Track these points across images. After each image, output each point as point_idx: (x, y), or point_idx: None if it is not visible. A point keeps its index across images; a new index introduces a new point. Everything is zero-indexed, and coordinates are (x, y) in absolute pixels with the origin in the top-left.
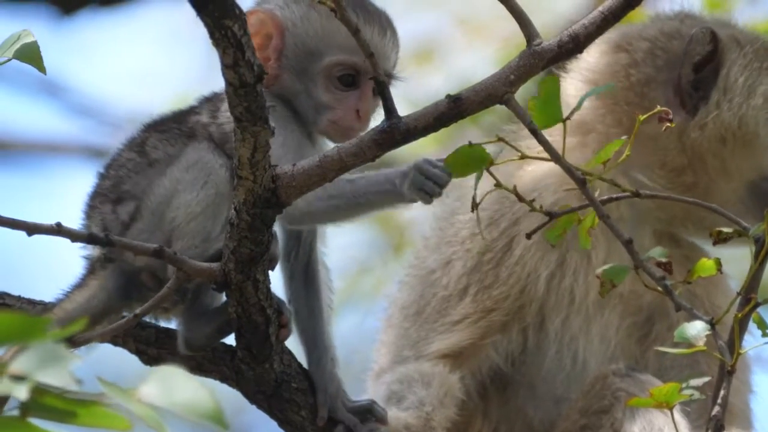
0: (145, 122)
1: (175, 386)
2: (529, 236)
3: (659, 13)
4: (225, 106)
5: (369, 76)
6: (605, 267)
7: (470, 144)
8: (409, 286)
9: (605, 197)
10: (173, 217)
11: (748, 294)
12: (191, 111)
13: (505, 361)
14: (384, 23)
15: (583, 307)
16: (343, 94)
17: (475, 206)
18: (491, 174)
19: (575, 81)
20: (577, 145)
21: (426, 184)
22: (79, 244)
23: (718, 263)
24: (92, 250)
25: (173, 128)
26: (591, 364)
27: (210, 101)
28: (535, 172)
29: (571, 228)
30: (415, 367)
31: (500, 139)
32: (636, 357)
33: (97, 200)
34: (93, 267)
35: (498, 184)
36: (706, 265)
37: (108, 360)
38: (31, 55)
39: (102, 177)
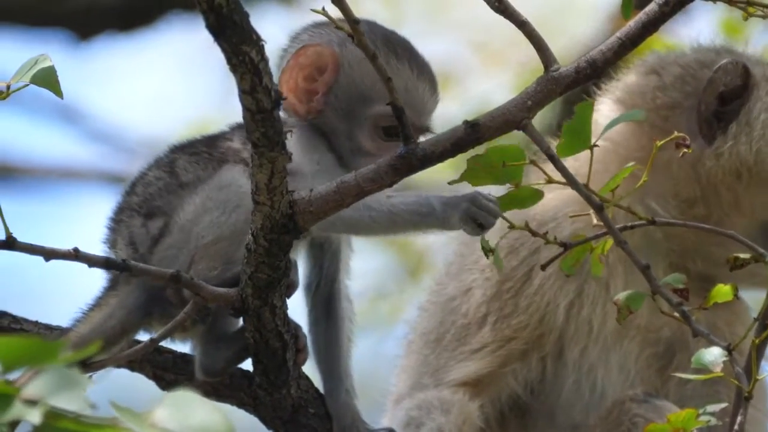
0: (173, 144)
1: (189, 410)
2: (543, 268)
3: (702, 44)
4: None
5: (417, 133)
6: (622, 293)
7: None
8: (429, 313)
9: (621, 225)
10: (202, 235)
11: (766, 320)
12: (222, 136)
13: (524, 389)
14: (434, 80)
15: (601, 336)
16: (384, 144)
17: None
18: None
19: (608, 101)
20: (600, 171)
21: (480, 215)
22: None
23: (735, 288)
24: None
25: (203, 152)
26: (610, 394)
27: (242, 128)
28: (555, 200)
29: (585, 257)
30: (434, 394)
31: (532, 162)
32: (656, 387)
33: (124, 215)
34: (115, 281)
35: (511, 226)
36: (722, 290)
37: (125, 385)
38: (48, 79)
39: (129, 194)
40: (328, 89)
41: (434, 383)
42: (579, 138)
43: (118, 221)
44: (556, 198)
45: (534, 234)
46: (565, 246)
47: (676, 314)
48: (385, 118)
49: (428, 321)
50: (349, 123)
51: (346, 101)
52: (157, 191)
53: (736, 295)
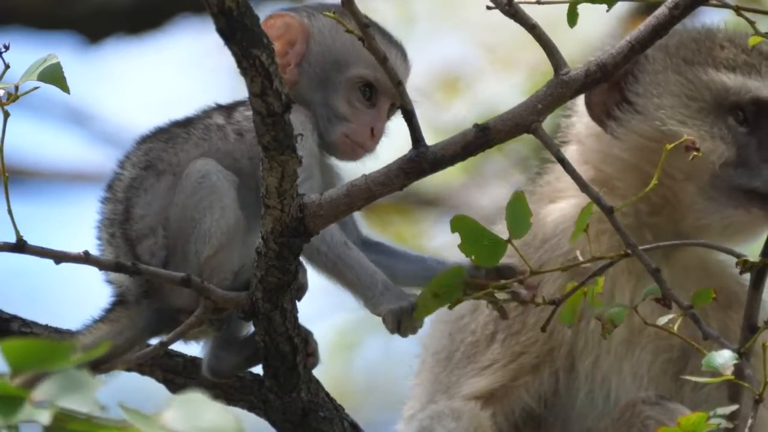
0: (142, 134)
1: (199, 412)
2: (543, 329)
3: None
4: (242, 107)
5: (390, 101)
6: (602, 308)
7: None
8: (439, 331)
9: (645, 246)
10: (199, 251)
11: (750, 320)
12: (201, 116)
13: (537, 402)
14: (407, 57)
15: (612, 347)
16: (361, 109)
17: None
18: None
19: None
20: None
21: (407, 323)
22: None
23: (714, 292)
24: (125, 281)
25: (180, 134)
26: (624, 402)
27: (222, 107)
28: (553, 215)
29: (580, 304)
30: (446, 404)
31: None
32: (671, 393)
33: (115, 228)
34: (125, 299)
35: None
36: (703, 294)
37: (135, 388)
38: (54, 75)
39: (110, 201)
40: (300, 60)
41: (446, 399)
42: (520, 225)
43: (111, 234)
44: (554, 213)
45: (522, 303)
46: (555, 303)
47: (659, 324)
48: (360, 79)
49: (438, 340)
50: (325, 90)
51: (321, 69)
52: (135, 194)
53: (714, 298)
